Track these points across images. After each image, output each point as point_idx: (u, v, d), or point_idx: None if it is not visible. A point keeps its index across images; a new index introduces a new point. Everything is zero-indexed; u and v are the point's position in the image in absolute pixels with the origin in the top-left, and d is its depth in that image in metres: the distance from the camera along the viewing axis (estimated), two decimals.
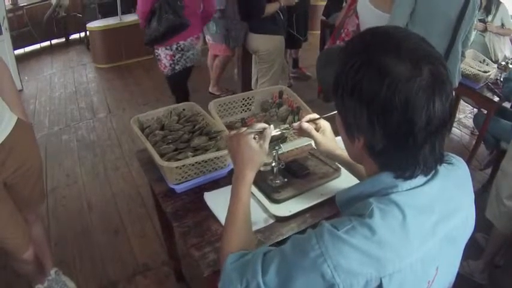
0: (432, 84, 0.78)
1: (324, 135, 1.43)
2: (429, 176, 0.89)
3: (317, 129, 1.44)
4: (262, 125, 1.27)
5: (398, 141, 0.82)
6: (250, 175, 1.20)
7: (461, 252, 1.00)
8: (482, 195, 3.48)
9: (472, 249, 2.71)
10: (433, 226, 0.87)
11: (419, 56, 0.79)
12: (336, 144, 1.44)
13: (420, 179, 0.87)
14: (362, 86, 0.81)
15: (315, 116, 1.46)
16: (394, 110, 0.78)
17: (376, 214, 0.82)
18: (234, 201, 1.17)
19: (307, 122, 1.43)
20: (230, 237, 1.12)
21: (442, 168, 0.91)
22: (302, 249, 0.85)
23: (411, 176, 0.86)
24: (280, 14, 3.69)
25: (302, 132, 1.45)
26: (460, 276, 1.03)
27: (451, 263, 0.98)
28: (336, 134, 1.67)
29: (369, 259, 0.80)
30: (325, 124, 1.44)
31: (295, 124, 1.45)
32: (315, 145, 1.46)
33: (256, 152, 1.21)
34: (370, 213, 0.82)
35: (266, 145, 1.23)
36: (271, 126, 1.28)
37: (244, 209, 1.16)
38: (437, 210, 0.88)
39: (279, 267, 0.88)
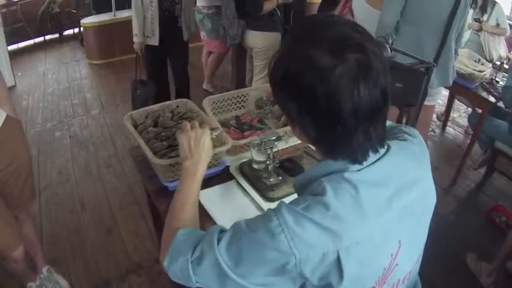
0: (356, 71, 0.77)
1: None
2: (380, 154, 0.90)
3: None
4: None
5: (328, 129, 0.83)
6: (202, 171, 1.24)
7: (426, 226, 1.03)
8: (476, 194, 3.51)
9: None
10: (388, 199, 0.88)
11: (344, 45, 0.78)
12: None
13: (371, 158, 0.89)
14: (288, 78, 0.83)
15: None
16: (319, 99, 0.79)
17: (329, 191, 0.84)
18: (186, 188, 1.19)
19: None
20: (181, 216, 1.12)
21: (394, 145, 0.93)
22: (258, 222, 0.87)
23: (354, 162, 0.87)
24: (277, 10, 3.67)
25: None
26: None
27: (414, 236, 0.99)
28: None
29: (325, 232, 0.82)
30: None
31: None
32: None
33: (211, 150, 1.31)
34: (322, 191, 0.84)
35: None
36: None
37: (194, 199, 1.18)
38: (392, 185, 0.89)
39: (230, 241, 0.89)
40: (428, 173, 1.01)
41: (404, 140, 0.99)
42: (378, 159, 0.89)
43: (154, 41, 3.79)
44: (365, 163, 0.88)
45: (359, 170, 0.87)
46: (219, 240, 0.90)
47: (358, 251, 0.84)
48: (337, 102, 0.78)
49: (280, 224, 0.82)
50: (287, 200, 0.90)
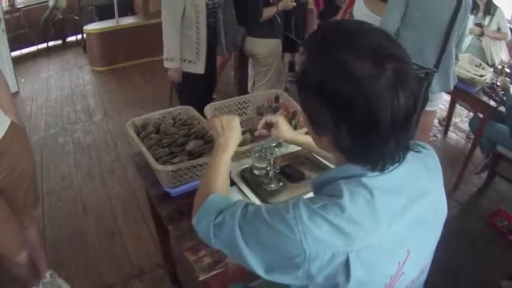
0: (395, 81, 0.77)
1: (278, 129, 1.58)
2: (398, 163, 0.90)
3: (271, 126, 1.59)
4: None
5: (364, 138, 0.83)
6: (233, 147, 1.34)
7: (436, 237, 1.03)
8: (478, 198, 3.50)
9: None
10: (401, 208, 0.89)
11: (382, 54, 0.78)
12: (293, 132, 1.61)
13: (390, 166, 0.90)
14: (325, 86, 0.81)
15: (267, 118, 1.61)
16: (358, 109, 0.78)
17: (346, 194, 0.85)
18: (218, 159, 1.28)
19: (263, 127, 1.61)
20: (212, 184, 1.19)
21: (409, 155, 0.94)
22: (277, 210, 0.89)
23: (377, 169, 0.88)
24: (278, 17, 3.69)
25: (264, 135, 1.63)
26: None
27: (422, 247, 0.99)
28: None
29: (338, 232, 0.83)
30: (275, 119, 1.58)
31: (256, 133, 1.64)
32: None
33: (240, 135, 1.41)
34: (339, 194, 0.86)
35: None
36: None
37: (226, 170, 1.27)
38: (405, 193, 0.90)
39: (249, 219, 0.93)
40: (440, 184, 1.02)
41: (419, 151, 1.00)
42: (394, 167, 0.90)
43: (200, 68, 3.05)
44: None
45: (377, 176, 0.88)
46: (241, 215, 0.94)
47: (368, 256, 0.85)
48: (377, 112, 0.78)
49: (295, 217, 0.84)
50: None
